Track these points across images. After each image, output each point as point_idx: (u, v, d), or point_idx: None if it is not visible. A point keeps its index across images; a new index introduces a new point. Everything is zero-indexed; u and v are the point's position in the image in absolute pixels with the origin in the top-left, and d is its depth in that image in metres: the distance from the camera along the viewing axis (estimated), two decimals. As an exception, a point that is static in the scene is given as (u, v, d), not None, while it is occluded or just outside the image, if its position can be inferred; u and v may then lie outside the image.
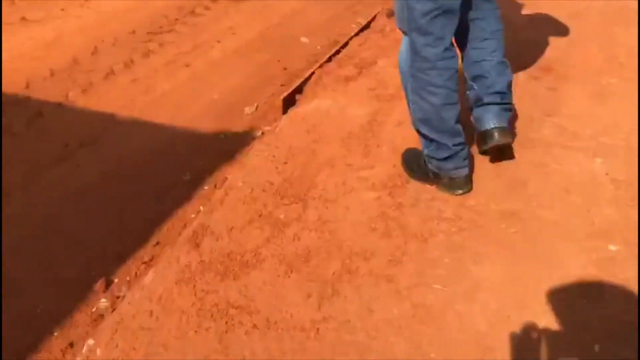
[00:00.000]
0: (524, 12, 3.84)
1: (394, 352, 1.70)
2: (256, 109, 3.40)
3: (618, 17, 3.79)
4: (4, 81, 3.46)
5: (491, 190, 2.31)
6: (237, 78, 3.73)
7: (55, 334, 2.06)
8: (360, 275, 1.96)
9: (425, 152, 2.30)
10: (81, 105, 3.37)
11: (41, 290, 2.23)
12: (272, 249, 2.09)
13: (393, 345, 1.72)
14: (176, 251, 2.13)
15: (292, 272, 1.99)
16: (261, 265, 2.02)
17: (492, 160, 2.44)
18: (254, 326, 1.80)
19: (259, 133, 3.15)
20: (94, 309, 2.16)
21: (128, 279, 2.27)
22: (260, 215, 2.24)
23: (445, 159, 2.24)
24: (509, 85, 2.40)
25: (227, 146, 3.07)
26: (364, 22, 4.30)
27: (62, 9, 4.52)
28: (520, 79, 3.03)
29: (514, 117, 2.63)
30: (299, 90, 3.35)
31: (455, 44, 2.25)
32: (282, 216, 2.23)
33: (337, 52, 3.78)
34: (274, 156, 2.58)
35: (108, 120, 3.25)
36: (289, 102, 3.25)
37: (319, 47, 4.13)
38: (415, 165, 2.39)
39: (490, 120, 2.37)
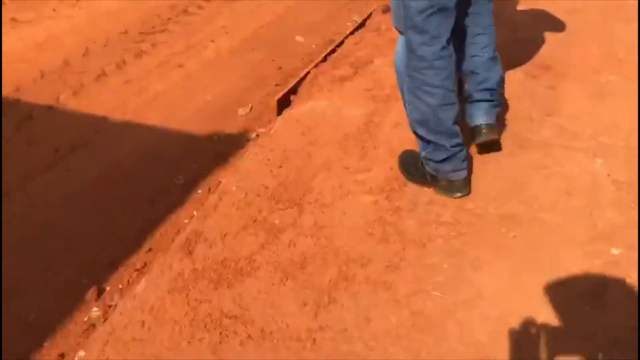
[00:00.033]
0: (521, 8, 3.79)
1: (393, 362, 1.66)
2: (250, 110, 3.35)
3: (616, 13, 3.74)
4: (-7, 84, 3.41)
5: (490, 192, 2.26)
6: (231, 78, 3.68)
7: (46, 344, 2.01)
8: (357, 282, 1.91)
9: (423, 154, 2.25)
10: (72, 108, 3.31)
11: (32, 299, 2.19)
12: (267, 255, 2.04)
13: (392, 356, 1.68)
14: (169, 258, 2.08)
15: (287, 279, 1.94)
16: (256, 273, 1.97)
17: (480, 152, 2.48)
18: (249, 337, 1.76)
19: (254, 135, 3.10)
20: (85, 318, 2.11)
21: (120, 286, 2.23)
22: (254, 221, 2.20)
23: (443, 160, 2.19)
24: (500, 81, 2.44)
25: (221, 148, 3.03)
26: (359, 20, 4.26)
27: (54, 9, 4.46)
28: (518, 77, 2.99)
29: (503, 113, 2.67)
30: (293, 90, 3.30)
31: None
32: (277, 221, 2.19)
33: (333, 51, 3.73)
34: (268, 159, 2.53)
35: (100, 123, 3.20)
36: (284, 103, 3.19)
37: (314, 46, 4.09)
38: (412, 167, 2.34)
39: (479, 117, 2.41)
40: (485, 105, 2.40)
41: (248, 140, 3.06)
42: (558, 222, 2.11)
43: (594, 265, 1.92)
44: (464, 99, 2.43)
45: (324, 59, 3.61)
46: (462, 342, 1.70)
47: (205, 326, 1.80)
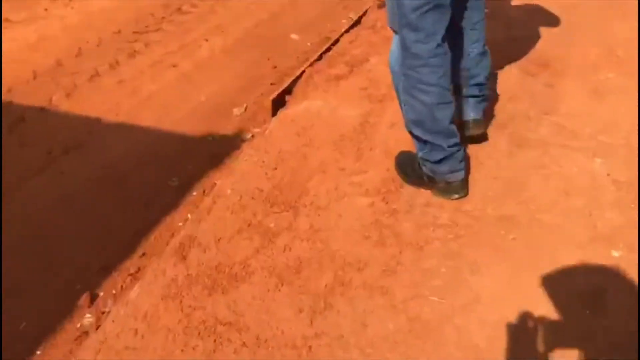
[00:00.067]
0: (517, 3, 3.75)
1: (390, 370, 1.63)
2: (245, 110, 3.31)
3: (614, 9, 3.70)
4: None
5: (488, 193, 2.23)
6: (226, 78, 3.64)
7: (39, 352, 1.98)
8: (353, 287, 1.88)
9: (420, 155, 2.22)
10: (65, 109, 3.27)
11: (25, 305, 2.15)
12: (261, 260, 2.01)
13: (389, 363, 1.65)
14: (162, 264, 2.05)
15: (282, 285, 1.91)
16: (250, 279, 1.94)
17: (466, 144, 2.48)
18: (243, 344, 1.73)
19: (249, 136, 3.06)
20: (78, 325, 2.08)
21: (114, 292, 2.20)
22: (249, 225, 2.16)
23: (440, 161, 2.16)
24: (488, 75, 2.48)
25: (216, 149, 2.99)
26: (355, 17, 4.22)
27: (46, 9, 4.40)
28: (516, 75, 2.95)
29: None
30: (288, 90, 3.26)
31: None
32: (272, 225, 2.15)
33: (328, 49, 3.69)
34: (263, 161, 2.49)
35: (93, 124, 3.15)
36: (279, 103, 3.16)
37: (309, 44, 4.05)
38: (409, 168, 2.31)
39: (467, 112, 2.45)
40: (473, 101, 2.44)
41: (243, 141, 3.02)
42: (557, 223, 2.08)
43: (594, 268, 1.89)
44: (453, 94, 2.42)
45: (320, 58, 3.57)
46: (459, 348, 1.67)
47: (199, 334, 1.76)
